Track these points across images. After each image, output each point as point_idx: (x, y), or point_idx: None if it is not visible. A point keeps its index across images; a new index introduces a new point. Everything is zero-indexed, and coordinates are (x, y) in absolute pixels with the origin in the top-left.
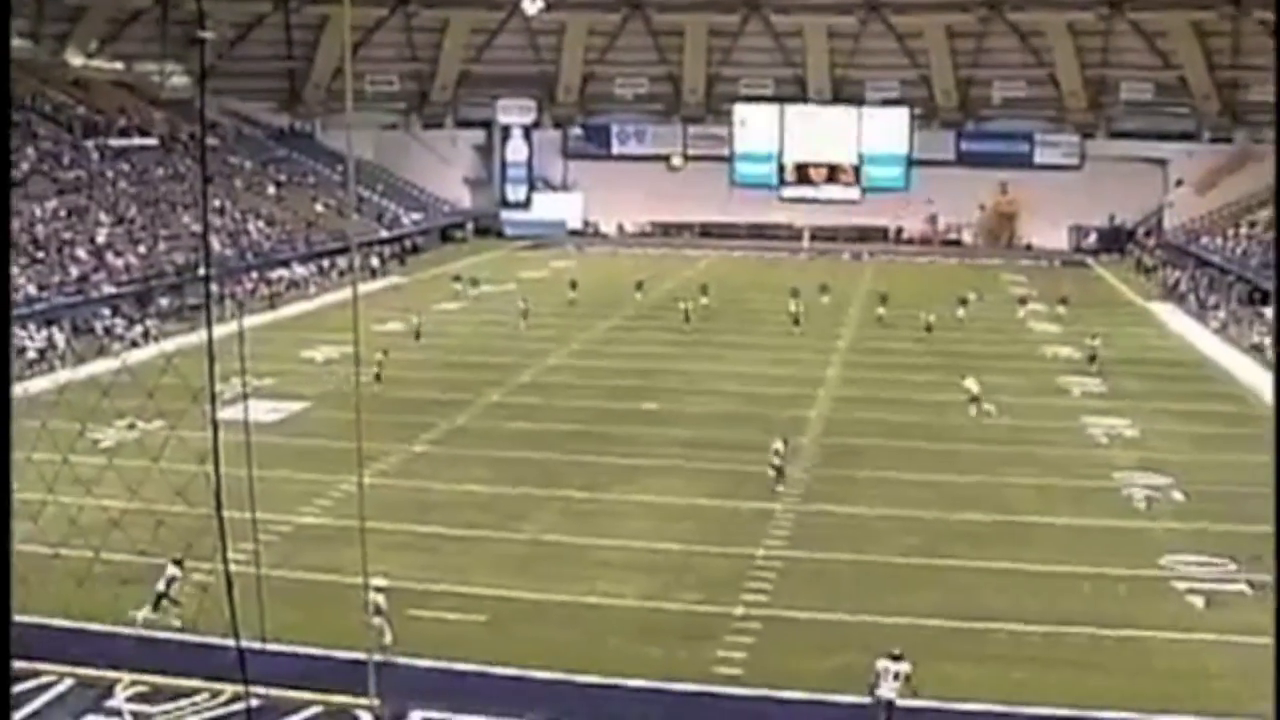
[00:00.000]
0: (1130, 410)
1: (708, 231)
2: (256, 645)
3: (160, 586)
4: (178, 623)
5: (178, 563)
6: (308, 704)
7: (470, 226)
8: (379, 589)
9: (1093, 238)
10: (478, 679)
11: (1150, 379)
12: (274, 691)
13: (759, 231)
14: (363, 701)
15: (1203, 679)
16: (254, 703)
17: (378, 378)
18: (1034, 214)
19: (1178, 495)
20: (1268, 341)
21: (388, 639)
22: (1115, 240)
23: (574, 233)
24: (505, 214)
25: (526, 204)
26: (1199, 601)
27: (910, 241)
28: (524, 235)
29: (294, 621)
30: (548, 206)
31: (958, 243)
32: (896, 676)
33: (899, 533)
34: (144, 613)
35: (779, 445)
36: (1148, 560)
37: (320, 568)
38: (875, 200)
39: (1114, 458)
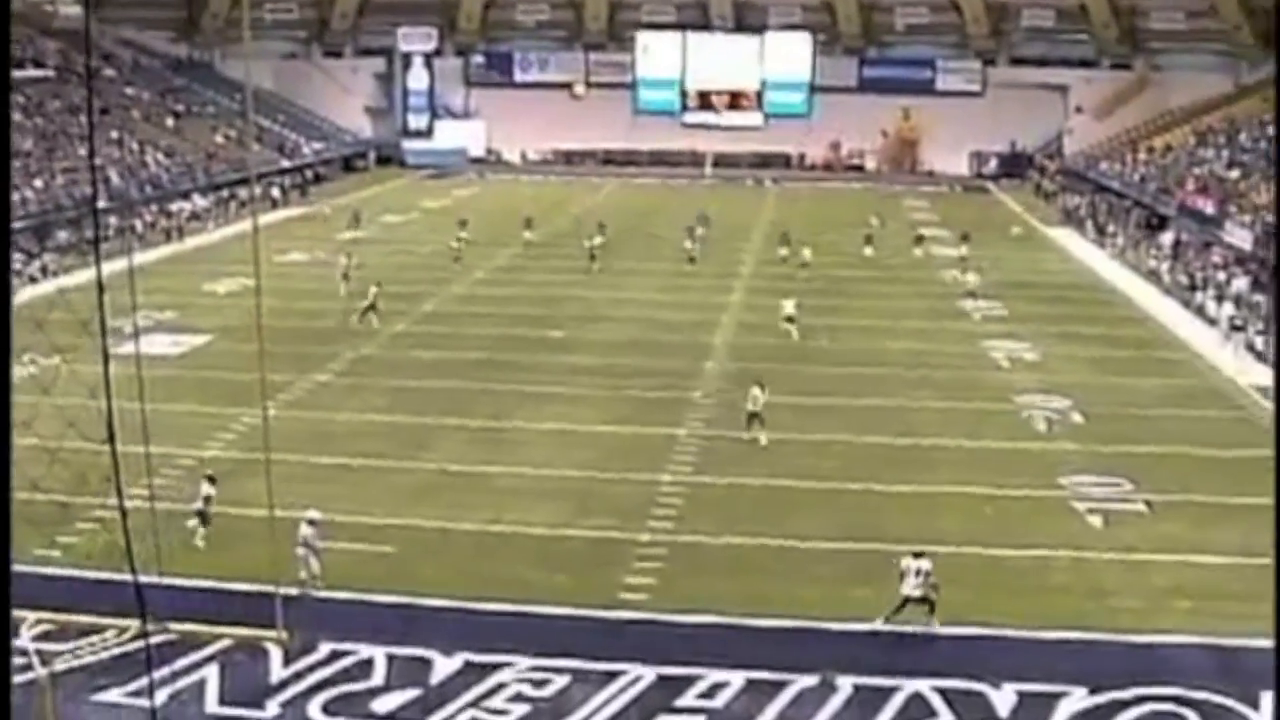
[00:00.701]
0: (1030, 334)
1: (611, 159)
2: (159, 580)
3: (198, 505)
4: (201, 544)
5: (210, 479)
6: (216, 638)
7: (372, 156)
8: (310, 522)
9: (994, 163)
10: (385, 610)
11: (1050, 303)
12: (181, 626)
13: (662, 158)
14: (271, 634)
15: (1101, 597)
16: (162, 638)
17: (373, 308)
18: (935, 140)
19: (1077, 417)
20: (1164, 267)
21: (316, 570)
22: (1016, 166)
23: (476, 161)
24: (407, 143)
25: (428, 133)
26: (1097, 521)
27: (813, 168)
28: (426, 164)
29: (200, 556)
30: (450, 135)
31: (860, 169)
32: (919, 573)
33: (804, 456)
34: (200, 532)
35: (757, 391)
36: (1048, 480)
37: (226, 501)
38: (778, 126)
39: (1014, 381)
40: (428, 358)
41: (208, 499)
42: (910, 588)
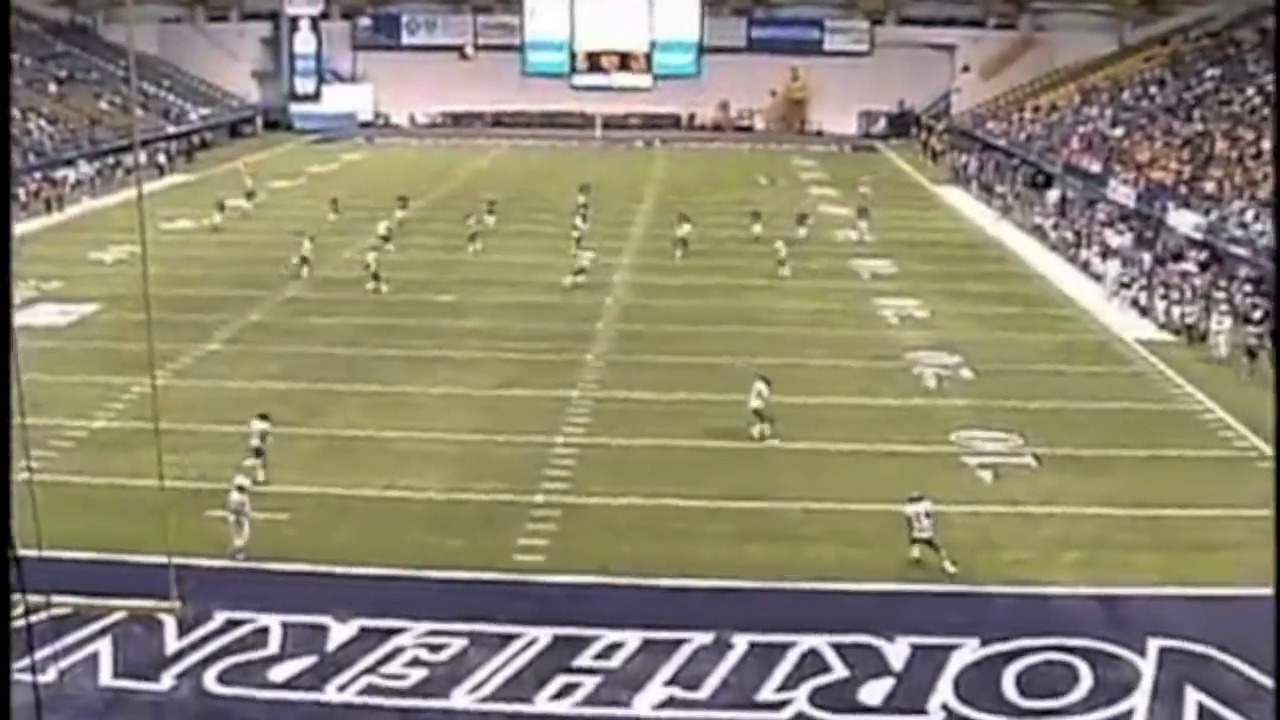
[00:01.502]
0: (920, 291)
1: (500, 121)
2: (46, 555)
3: (255, 442)
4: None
5: (264, 417)
6: (109, 610)
7: (259, 121)
8: (240, 488)
9: (882, 123)
10: (280, 577)
11: (939, 260)
12: (73, 599)
13: (552, 120)
14: (164, 605)
15: (991, 549)
16: (55, 611)
17: (375, 277)
18: (824, 100)
19: (966, 373)
20: (1048, 224)
21: (240, 541)
22: (904, 125)
23: (365, 125)
24: (294, 107)
25: (316, 97)
26: (987, 475)
27: (702, 128)
28: (314, 129)
29: (92, 527)
30: (338, 99)
31: (749, 129)
32: (926, 515)
33: (696, 416)
34: (259, 472)
35: (761, 387)
36: (938, 436)
37: (116, 472)
38: (667, 87)
39: (905, 338)
40: (318, 324)
41: (264, 435)
42: (919, 531)
